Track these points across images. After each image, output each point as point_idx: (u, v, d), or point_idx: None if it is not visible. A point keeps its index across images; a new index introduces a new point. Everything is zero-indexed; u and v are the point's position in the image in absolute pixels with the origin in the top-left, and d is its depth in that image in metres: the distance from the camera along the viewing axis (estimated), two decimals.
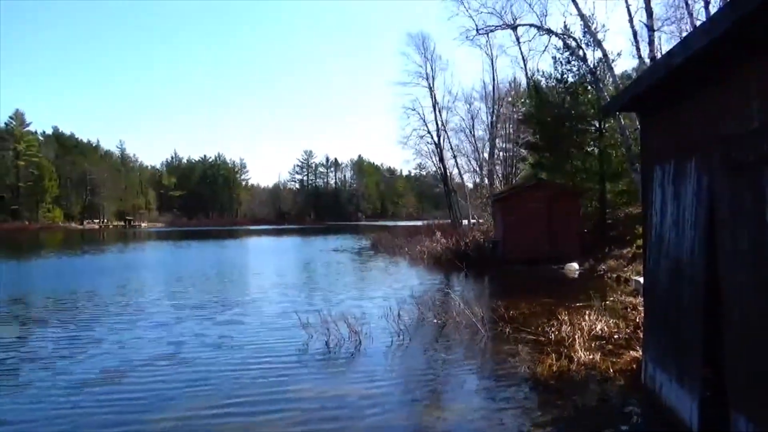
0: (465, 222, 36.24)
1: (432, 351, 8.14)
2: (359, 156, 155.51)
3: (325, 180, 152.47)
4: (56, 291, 15.29)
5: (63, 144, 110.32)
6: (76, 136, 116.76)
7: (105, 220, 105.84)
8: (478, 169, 39.83)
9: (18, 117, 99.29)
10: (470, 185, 42.40)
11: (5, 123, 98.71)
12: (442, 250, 22.94)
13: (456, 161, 40.52)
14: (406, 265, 21.94)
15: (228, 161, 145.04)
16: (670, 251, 5.08)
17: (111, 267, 24.13)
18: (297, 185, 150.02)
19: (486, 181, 37.38)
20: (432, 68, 39.07)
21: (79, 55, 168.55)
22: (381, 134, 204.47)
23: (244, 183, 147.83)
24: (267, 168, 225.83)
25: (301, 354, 7.92)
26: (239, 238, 54.39)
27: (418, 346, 8.42)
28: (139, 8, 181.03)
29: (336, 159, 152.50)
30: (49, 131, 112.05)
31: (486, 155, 38.20)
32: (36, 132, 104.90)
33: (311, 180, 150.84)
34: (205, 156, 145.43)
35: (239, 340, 8.90)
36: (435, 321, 9.77)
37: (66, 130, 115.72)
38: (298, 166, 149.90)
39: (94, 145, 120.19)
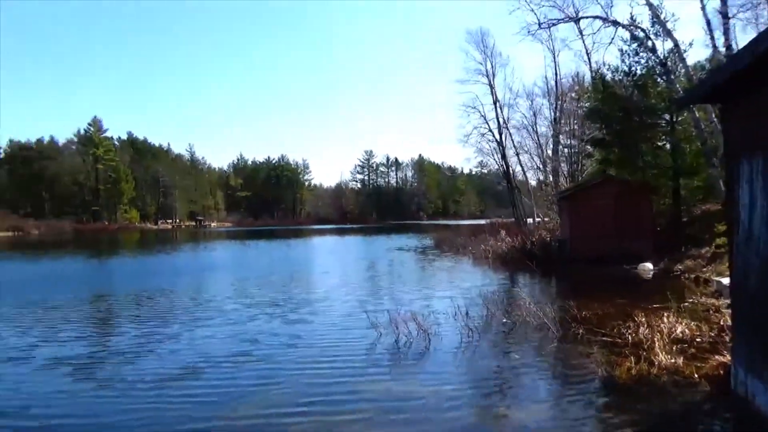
0: (530, 220, 35.53)
1: (502, 351, 8.03)
2: (419, 155, 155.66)
3: (386, 179, 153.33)
4: (135, 289, 16.08)
5: (137, 148, 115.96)
6: (149, 141, 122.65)
7: (177, 220, 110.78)
8: (541, 166, 38.96)
9: (95, 123, 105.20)
10: (534, 183, 41.52)
11: (84, 129, 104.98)
12: (507, 249, 22.62)
13: (519, 159, 39.79)
14: (470, 264, 21.75)
15: (291, 162, 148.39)
16: (761, 249, 4.80)
17: (185, 266, 25.21)
18: (358, 185, 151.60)
19: (550, 178, 36.50)
20: (492, 65, 38.48)
21: (149, 63, 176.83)
22: (441, 133, 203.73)
23: (306, 183, 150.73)
24: (329, 168, 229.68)
25: (371, 353, 7.99)
26: (303, 238, 55.49)
27: (488, 346, 8.33)
28: (201, 17, 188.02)
29: (396, 158, 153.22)
30: (124, 136, 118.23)
31: (550, 152, 37.32)
32: (112, 138, 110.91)
33: (372, 180, 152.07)
34: (269, 157, 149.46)
35: (310, 338, 9.08)
36: (504, 321, 9.62)
37: (140, 135, 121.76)
38: (359, 166, 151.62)
39: (165, 149, 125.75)
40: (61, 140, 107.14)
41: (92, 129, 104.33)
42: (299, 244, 44.17)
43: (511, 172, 39.14)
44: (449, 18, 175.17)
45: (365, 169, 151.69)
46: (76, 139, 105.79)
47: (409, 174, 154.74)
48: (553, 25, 28.08)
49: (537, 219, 34.96)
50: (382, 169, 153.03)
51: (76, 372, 7.44)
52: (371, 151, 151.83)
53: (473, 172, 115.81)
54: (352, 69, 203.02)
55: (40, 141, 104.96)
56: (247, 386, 6.58)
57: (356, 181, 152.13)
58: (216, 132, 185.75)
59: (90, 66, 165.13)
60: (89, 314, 12.44)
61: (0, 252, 37.51)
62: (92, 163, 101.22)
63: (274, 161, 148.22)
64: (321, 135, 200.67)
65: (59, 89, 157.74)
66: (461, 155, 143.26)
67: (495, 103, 38.51)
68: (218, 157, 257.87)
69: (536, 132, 38.71)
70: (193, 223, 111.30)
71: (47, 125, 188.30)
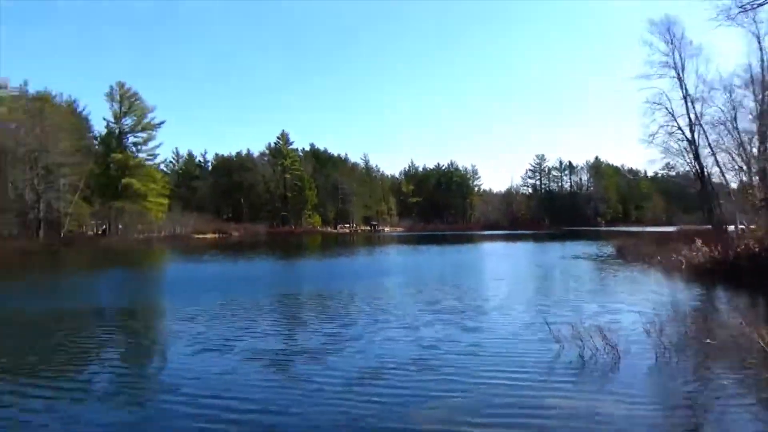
0: (730, 228, 31.49)
1: (704, 376, 7.19)
2: (596, 157, 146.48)
3: (560, 184, 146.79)
4: (319, 290, 17.32)
5: (319, 158, 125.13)
6: (329, 151, 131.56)
7: (354, 225, 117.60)
8: (744, 166, 34.28)
9: (284, 137, 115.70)
10: (735, 185, 36.66)
11: (274, 142, 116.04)
12: (704, 260, 20.27)
13: (715, 159, 35.35)
14: (661, 276, 19.85)
15: (460, 168, 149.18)
16: None
17: (363, 269, 26.50)
18: (530, 190, 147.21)
19: (757, 179, 31.97)
20: (680, 56, 34.66)
21: (327, 80, 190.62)
22: (620, 133, 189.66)
23: (476, 189, 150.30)
24: (499, 173, 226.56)
25: (554, 366, 7.66)
26: (474, 243, 55.27)
27: (686, 367, 7.53)
28: (368, 35, 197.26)
29: (570, 162, 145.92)
30: (308, 148, 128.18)
31: (755, 150, 32.70)
32: (297, 149, 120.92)
33: (544, 184, 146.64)
34: (438, 164, 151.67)
35: (489, 348, 8.92)
36: (706, 341, 8.60)
37: (320, 146, 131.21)
38: (530, 170, 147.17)
39: (343, 158, 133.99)
40: (256, 153, 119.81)
41: (281, 142, 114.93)
42: (470, 250, 44.11)
43: (705, 173, 35.06)
44: (627, 10, 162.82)
45: (537, 174, 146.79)
46: (267, 152, 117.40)
47: (585, 178, 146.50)
48: (759, 5, 24.60)
49: (740, 226, 30.85)
50: (554, 173, 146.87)
51: (270, 366, 8.14)
52: (543, 155, 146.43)
53: (658, 175, 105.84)
54: (520, 72, 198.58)
55: (239, 154, 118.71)
56: (428, 393, 6.64)
57: (527, 186, 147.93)
58: (388, 141, 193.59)
59: (279, 82, 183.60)
60: (280, 312, 13.65)
61: (207, 252, 42.84)
62: (281, 173, 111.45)
63: (443, 167, 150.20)
64: (490, 140, 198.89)
65: (256, 106, 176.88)
66: (644, 156, 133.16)
67: (685, 98, 34.77)
68: (391, 165, 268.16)
69: (737, 128, 34.17)
70: (368, 228, 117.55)
71: (245, 139, 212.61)
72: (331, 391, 6.81)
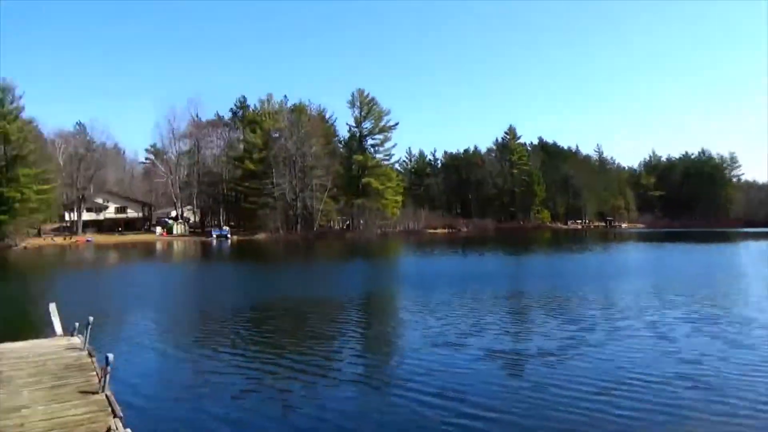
0: None
1: None
2: None
3: None
4: (551, 288, 16.58)
5: (547, 152, 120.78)
6: (558, 144, 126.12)
7: (587, 221, 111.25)
8: None
9: (511, 132, 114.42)
10: None
11: (501, 138, 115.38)
12: None
13: None
14: None
15: (714, 156, 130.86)
16: None
17: (598, 268, 24.73)
18: None
19: None
20: None
21: (556, 69, 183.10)
22: None
23: (734, 179, 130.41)
24: (764, 162, 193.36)
25: None
26: (733, 242, 47.80)
27: None
28: (601, 29, 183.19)
29: None
30: (536, 141, 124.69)
31: None
32: (525, 143, 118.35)
33: None
34: (686, 153, 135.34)
35: None
36: None
37: (549, 139, 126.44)
38: None
39: (573, 150, 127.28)
40: (483, 149, 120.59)
41: (508, 137, 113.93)
42: (730, 250, 38.22)
43: None
44: None
45: None
46: (494, 147, 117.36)
47: None
48: None
49: None
50: None
51: (503, 368, 7.97)
52: None
53: None
54: None
55: (466, 151, 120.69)
56: (692, 416, 5.86)
57: None
58: (625, 130, 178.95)
59: (507, 77, 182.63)
60: (511, 310, 13.38)
61: (438, 246, 44.40)
62: (508, 168, 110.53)
63: (692, 156, 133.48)
64: (755, 120, 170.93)
65: (484, 103, 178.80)
66: None
67: None
68: (628, 156, 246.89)
69: None
70: (603, 224, 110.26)
71: (473, 136, 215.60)
72: (571, 401, 6.39)
